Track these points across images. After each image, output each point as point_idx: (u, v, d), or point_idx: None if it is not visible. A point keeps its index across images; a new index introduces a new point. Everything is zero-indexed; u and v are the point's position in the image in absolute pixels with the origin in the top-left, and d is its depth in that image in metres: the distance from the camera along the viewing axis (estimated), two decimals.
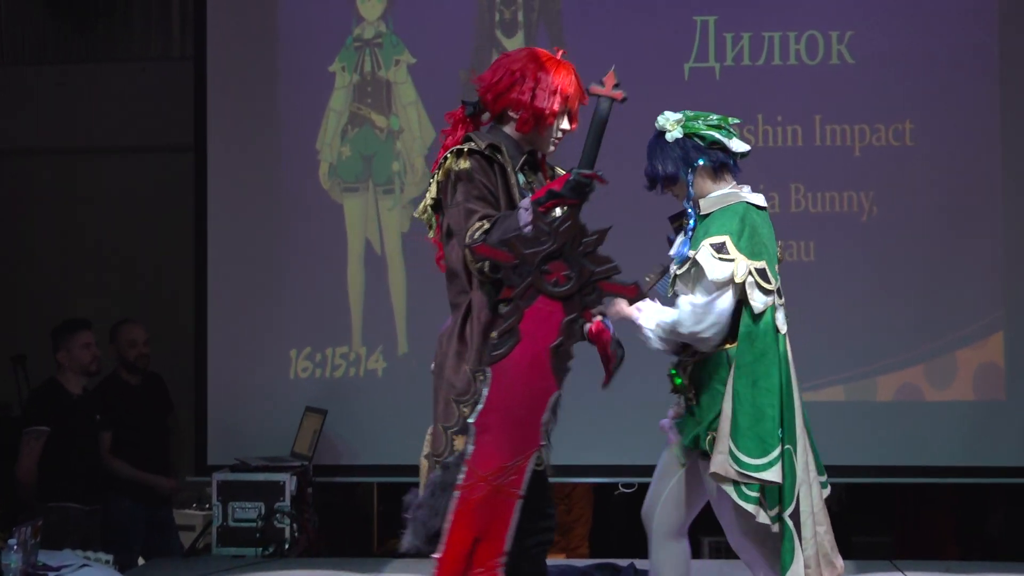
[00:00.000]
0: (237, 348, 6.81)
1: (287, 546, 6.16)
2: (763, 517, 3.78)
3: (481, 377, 3.48)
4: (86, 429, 6.21)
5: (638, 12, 6.74)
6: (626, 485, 6.45)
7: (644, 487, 4.19)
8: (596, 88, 3.61)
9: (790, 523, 3.81)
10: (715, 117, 3.98)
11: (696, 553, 4.63)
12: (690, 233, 3.89)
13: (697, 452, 3.87)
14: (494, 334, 3.48)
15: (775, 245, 3.94)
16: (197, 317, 6.86)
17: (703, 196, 3.91)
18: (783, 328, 3.87)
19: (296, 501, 6.22)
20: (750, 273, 3.78)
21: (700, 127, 3.93)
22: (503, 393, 3.47)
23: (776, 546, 3.83)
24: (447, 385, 3.56)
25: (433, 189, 3.66)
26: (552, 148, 3.74)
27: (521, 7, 6.84)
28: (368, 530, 7.33)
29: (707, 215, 3.91)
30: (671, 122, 3.92)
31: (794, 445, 3.80)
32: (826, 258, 6.61)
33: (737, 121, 4.04)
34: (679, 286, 3.90)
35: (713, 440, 3.77)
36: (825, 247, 6.64)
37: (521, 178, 3.68)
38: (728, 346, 3.84)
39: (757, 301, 3.79)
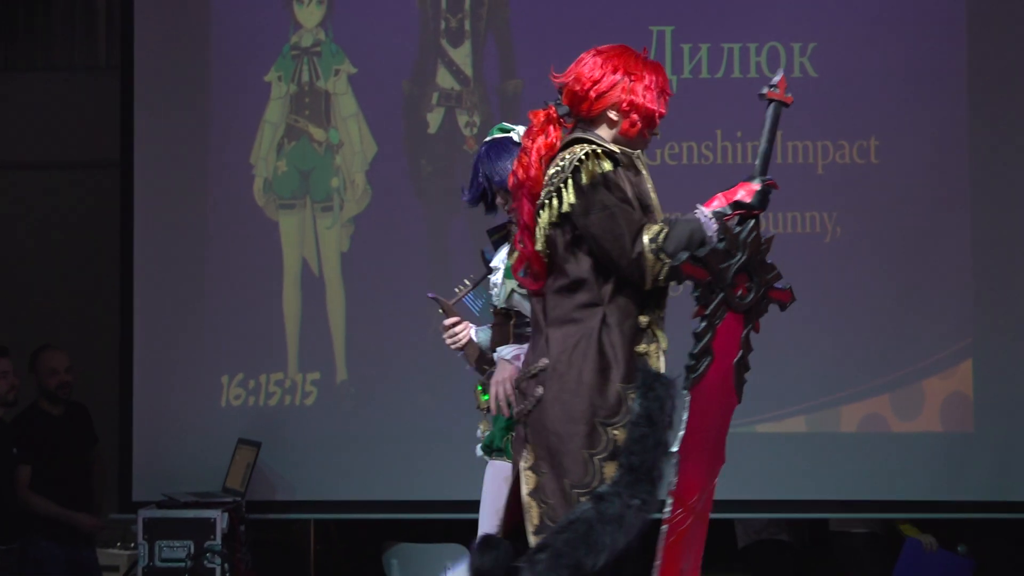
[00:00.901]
0: (165, 375, 6.73)
1: None
2: None
3: (633, 396, 3.35)
4: (2, 463, 6.15)
5: (591, 21, 6.65)
6: None
7: None
8: (773, 92, 3.58)
9: None
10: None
11: None
12: None
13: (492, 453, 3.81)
14: (692, 351, 3.42)
15: None
16: (122, 342, 6.77)
17: None
18: None
19: (228, 539, 6.16)
20: None
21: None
22: (700, 415, 3.42)
23: None
24: (590, 407, 3.37)
25: (571, 194, 3.42)
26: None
27: (468, 15, 6.77)
28: (304, 570, 7.20)
29: None
30: (519, 133, 3.82)
31: None
32: (787, 281, 6.41)
33: None
34: (516, 299, 3.80)
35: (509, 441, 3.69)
36: (786, 270, 6.31)
37: None
38: None
39: None
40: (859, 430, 6.49)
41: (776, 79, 3.59)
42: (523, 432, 3.47)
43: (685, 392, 3.39)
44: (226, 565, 6.07)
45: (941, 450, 6.46)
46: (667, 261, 3.37)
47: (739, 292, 3.46)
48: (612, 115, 3.51)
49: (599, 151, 3.42)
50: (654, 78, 3.52)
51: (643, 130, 3.52)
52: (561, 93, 3.56)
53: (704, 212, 3.44)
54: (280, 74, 6.75)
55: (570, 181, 3.41)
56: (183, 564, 6.07)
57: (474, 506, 6.40)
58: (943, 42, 6.57)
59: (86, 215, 7.71)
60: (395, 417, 6.54)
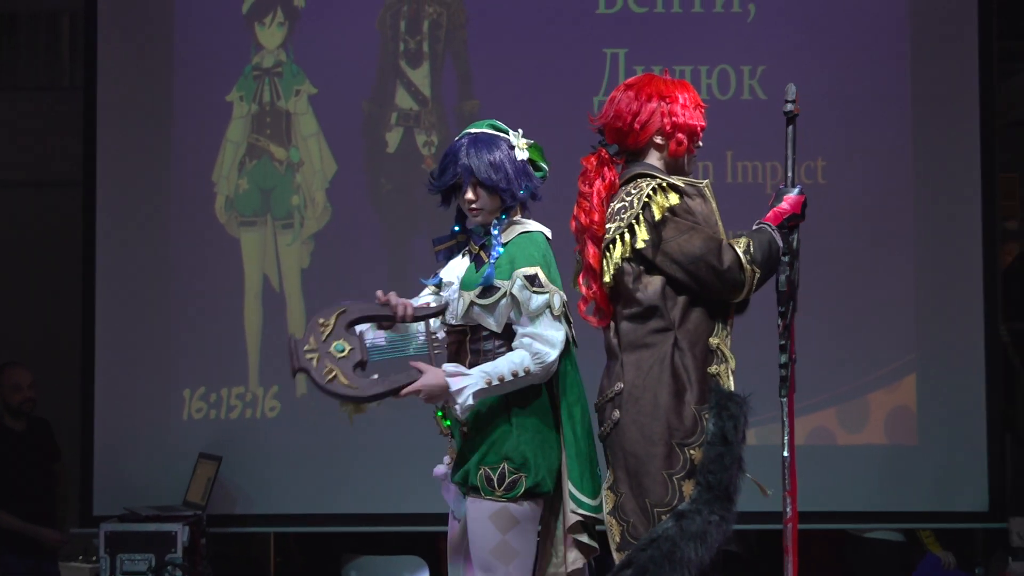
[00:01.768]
0: (126, 389, 6.66)
1: None
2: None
3: (707, 416, 3.46)
4: None
5: (547, 44, 6.72)
6: None
7: None
8: (797, 108, 3.74)
9: None
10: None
11: None
12: (494, 259, 3.62)
13: (466, 488, 3.64)
14: (783, 359, 3.62)
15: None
16: (84, 357, 6.71)
17: (491, 220, 3.67)
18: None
19: (189, 553, 6.12)
20: (564, 304, 3.64)
21: (537, 156, 3.72)
22: (792, 416, 3.68)
23: None
24: (667, 429, 3.47)
25: (643, 231, 3.52)
26: (692, 168, 3.70)
27: (427, 37, 6.78)
28: None
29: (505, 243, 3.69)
30: (522, 141, 3.69)
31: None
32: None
33: None
34: (476, 311, 3.61)
35: (486, 476, 3.55)
36: None
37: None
38: None
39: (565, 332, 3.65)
40: (807, 443, 6.50)
41: (793, 95, 3.73)
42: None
43: (783, 398, 3.60)
44: None
45: (886, 462, 6.51)
46: (759, 271, 3.51)
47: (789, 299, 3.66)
48: (658, 140, 3.62)
49: (664, 184, 3.52)
50: (687, 95, 3.65)
51: (690, 146, 3.63)
52: (603, 135, 3.66)
53: (770, 225, 3.59)
54: (242, 94, 6.73)
55: (641, 217, 3.51)
56: None
57: (433, 519, 6.45)
58: (888, 66, 6.65)
59: (49, 233, 7.67)
60: (354, 431, 6.25)
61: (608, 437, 3.57)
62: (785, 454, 3.59)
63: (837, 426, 6.57)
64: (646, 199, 3.52)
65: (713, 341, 3.55)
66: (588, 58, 6.69)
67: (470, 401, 3.50)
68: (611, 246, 3.57)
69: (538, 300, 3.53)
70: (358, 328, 3.59)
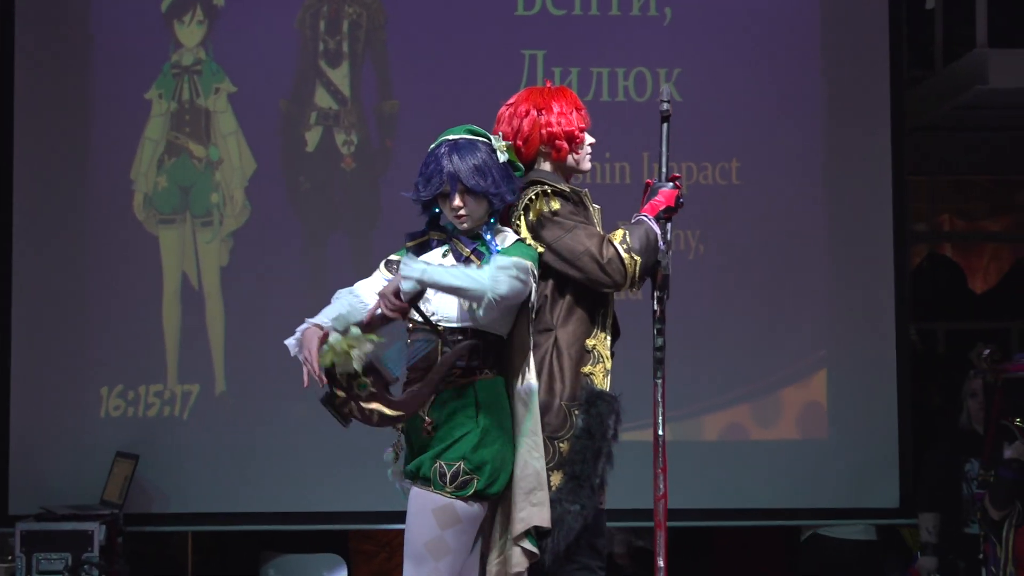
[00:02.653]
0: (43, 387, 6.59)
1: None
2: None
3: (576, 412, 3.65)
4: None
5: (466, 45, 6.74)
6: None
7: None
8: (671, 109, 3.93)
9: None
10: None
11: None
12: (495, 253, 3.65)
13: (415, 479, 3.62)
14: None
15: None
16: None
17: (479, 225, 3.69)
18: None
19: (105, 552, 6.07)
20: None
21: (515, 157, 3.75)
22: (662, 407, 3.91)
23: None
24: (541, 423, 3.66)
25: (522, 232, 3.72)
26: (588, 166, 3.86)
27: (346, 37, 6.77)
28: None
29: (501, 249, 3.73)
30: (501, 144, 3.70)
31: None
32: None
33: None
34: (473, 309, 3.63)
35: (440, 471, 3.53)
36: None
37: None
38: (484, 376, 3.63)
39: None
40: (720, 438, 6.62)
41: (667, 95, 3.96)
42: None
43: (658, 380, 3.80)
44: None
45: (797, 457, 6.59)
46: (638, 259, 3.68)
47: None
48: (544, 149, 3.79)
49: (548, 190, 3.70)
50: (562, 103, 3.79)
51: (573, 150, 3.79)
52: None
53: (648, 216, 3.75)
54: (161, 92, 6.69)
55: (521, 220, 3.71)
56: None
57: (349, 517, 6.53)
58: (800, 69, 6.74)
59: None
60: (273, 429, 6.50)
61: None
62: (660, 433, 3.78)
63: (750, 421, 6.65)
64: (527, 203, 3.70)
65: (590, 342, 3.72)
66: (507, 59, 6.71)
67: (415, 274, 3.40)
68: None
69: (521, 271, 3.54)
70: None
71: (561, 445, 3.66)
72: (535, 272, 3.62)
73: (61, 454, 6.54)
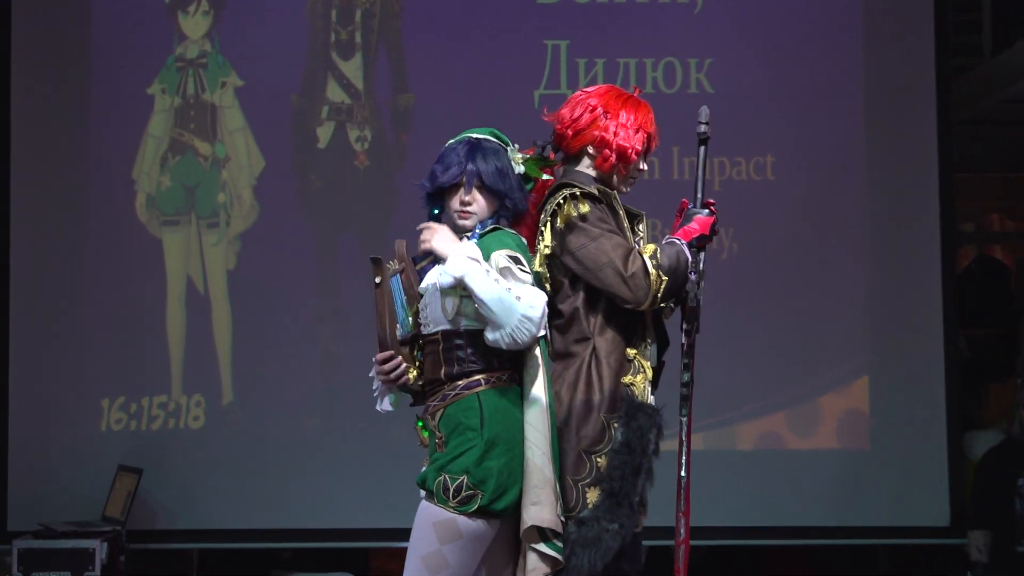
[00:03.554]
0: (42, 399, 6.60)
1: None
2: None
3: (615, 425, 3.59)
4: None
5: (485, 34, 6.69)
6: None
7: None
8: (709, 131, 3.83)
9: None
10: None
11: None
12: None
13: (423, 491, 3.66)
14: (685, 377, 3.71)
15: None
16: None
17: (475, 225, 3.73)
18: None
19: (107, 570, 6.07)
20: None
21: (535, 170, 3.78)
22: (691, 436, 3.76)
23: None
24: (576, 437, 3.61)
25: (547, 237, 3.68)
26: (627, 190, 3.79)
27: (359, 27, 6.74)
28: None
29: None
30: (518, 156, 3.75)
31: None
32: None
33: None
34: (457, 306, 3.63)
35: (444, 484, 3.52)
36: None
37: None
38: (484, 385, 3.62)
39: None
40: (755, 448, 6.53)
41: (706, 117, 3.82)
42: None
43: (683, 417, 3.68)
44: None
45: (837, 469, 6.50)
46: (665, 279, 3.59)
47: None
48: (590, 150, 3.72)
49: (578, 193, 3.62)
50: (632, 116, 3.71)
51: (618, 166, 3.70)
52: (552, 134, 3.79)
53: (681, 243, 3.67)
54: (164, 86, 6.68)
55: (548, 224, 3.66)
56: None
57: (365, 535, 6.44)
58: (839, 59, 6.68)
59: None
60: (284, 441, 6.49)
61: None
62: (682, 474, 3.69)
63: (786, 430, 6.57)
64: (555, 207, 3.66)
65: (631, 352, 3.66)
66: (528, 49, 6.69)
67: (458, 273, 3.49)
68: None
69: (526, 277, 3.59)
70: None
71: (599, 460, 3.60)
72: (523, 259, 3.60)
73: (61, 469, 6.54)
